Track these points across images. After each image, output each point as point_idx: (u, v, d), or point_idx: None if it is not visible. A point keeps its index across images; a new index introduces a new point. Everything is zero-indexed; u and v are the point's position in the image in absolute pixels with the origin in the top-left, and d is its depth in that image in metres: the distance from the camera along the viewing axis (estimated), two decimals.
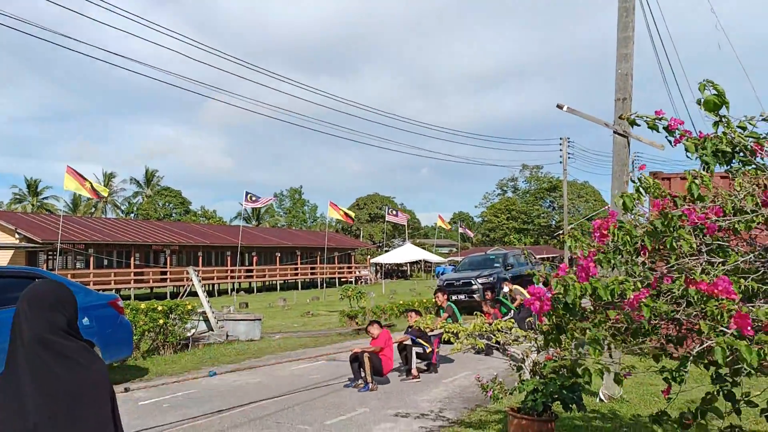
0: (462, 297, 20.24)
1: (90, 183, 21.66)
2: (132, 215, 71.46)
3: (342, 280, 54.22)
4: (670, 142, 4.10)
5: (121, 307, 10.29)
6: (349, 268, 56.03)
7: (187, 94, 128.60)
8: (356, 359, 9.73)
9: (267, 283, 50.11)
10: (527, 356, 6.15)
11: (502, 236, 77.44)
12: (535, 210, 78.68)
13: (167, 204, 76.69)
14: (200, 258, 43.45)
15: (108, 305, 9.95)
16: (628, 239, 3.30)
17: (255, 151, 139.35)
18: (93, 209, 66.87)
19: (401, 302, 21.04)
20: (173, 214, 75.43)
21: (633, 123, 4.27)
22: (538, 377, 6.21)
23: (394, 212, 44.65)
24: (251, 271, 46.86)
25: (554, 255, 58.59)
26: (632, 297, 3.19)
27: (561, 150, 35.34)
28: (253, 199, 30.53)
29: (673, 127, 4.04)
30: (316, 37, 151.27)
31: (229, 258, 45.26)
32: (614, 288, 3.00)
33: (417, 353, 10.53)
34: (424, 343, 10.64)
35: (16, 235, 33.74)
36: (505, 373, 10.49)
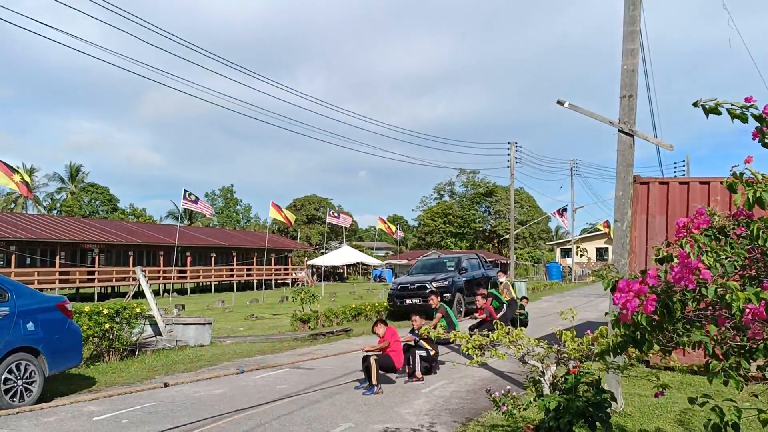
0: (416, 301, 19.82)
1: (21, 175, 19.79)
2: (55, 212, 67.74)
3: (278, 282, 53.00)
4: (762, 133, 3.67)
5: (70, 311, 9.24)
6: (286, 269, 54.85)
7: (116, 87, 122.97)
8: (366, 360, 9.59)
9: (201, 284, 48.37)
10: (547, 368, 5.66)
11: (438, 240, 77.76)
12: (471, 215, 79.40)
13: (93, 201, 73.13)
14: (131, 257, 41.42)
15: (55, 308, 8.92)
16: None
17: (186, 148, 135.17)
18: (13, 205, 62.91)
19: (353, 306, 20.42)
20: (100, 212, 72.00)
21: (713, 111, 3.79)
22: (558, 392, 5.74)
23: (336, 214, 43.87)
24: (185, 271, 45.09)
25: (492, 259, 59.15)
26: None
27: (509, 154, 35.46)
28: (193, 198, 29.12)
29: None
30: (250, 35, 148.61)
31: (161, 258, 43.37)
32: None
33: (420, 356, 10.51)
34: (428, 347, 10.66)
35: None
36: (481, 383, 10.09)
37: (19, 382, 8.20)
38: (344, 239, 61.86)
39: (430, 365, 10.91)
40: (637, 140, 7.80)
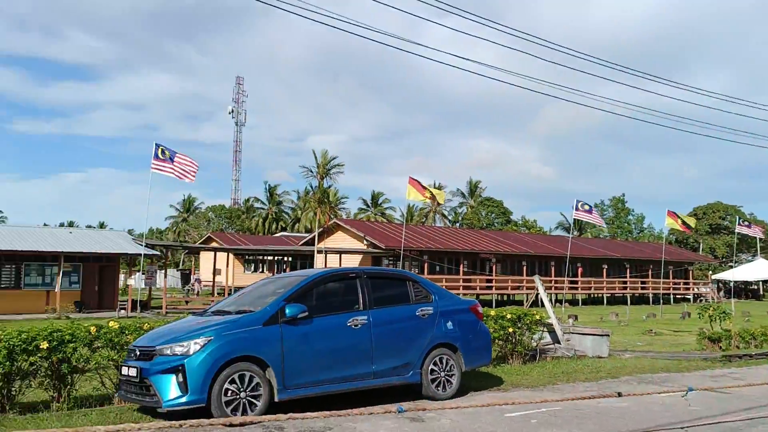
0: None
1: (430, 191, 22.92)
2: (457, 224, 75.01)
3: (677, 296, 49.23)
4: None
5: (481, 313, 10.10)
6: (686, 283, 50.62)
7: (512, 107, 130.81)
8: None
9: (592, 295, 47.87)
10: None
11: None
12: None
13: (490, 213, 78.82)
14: (524, 267, 43.28)
15: (469, 310, 9.83)
16: None
17: (575, 160, 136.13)
18: (424, 219, 71.82)
19: None
20: (495, 224, 77.19)
21: None
22: None
23: (747, 223, 38.80)
24: (575, 282, 45.18)
25: None
26: None
27: None
28: (586, 208, 29.05)
29: None
30: (637, 35, 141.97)
31: (552, 268, 44.28)
32: None
33: None
34: None
35: (365, 242, 37.52)
36: None
37: (442, 374, 9.23)
38: (758, 251, 54.13)
39: None
40: None
